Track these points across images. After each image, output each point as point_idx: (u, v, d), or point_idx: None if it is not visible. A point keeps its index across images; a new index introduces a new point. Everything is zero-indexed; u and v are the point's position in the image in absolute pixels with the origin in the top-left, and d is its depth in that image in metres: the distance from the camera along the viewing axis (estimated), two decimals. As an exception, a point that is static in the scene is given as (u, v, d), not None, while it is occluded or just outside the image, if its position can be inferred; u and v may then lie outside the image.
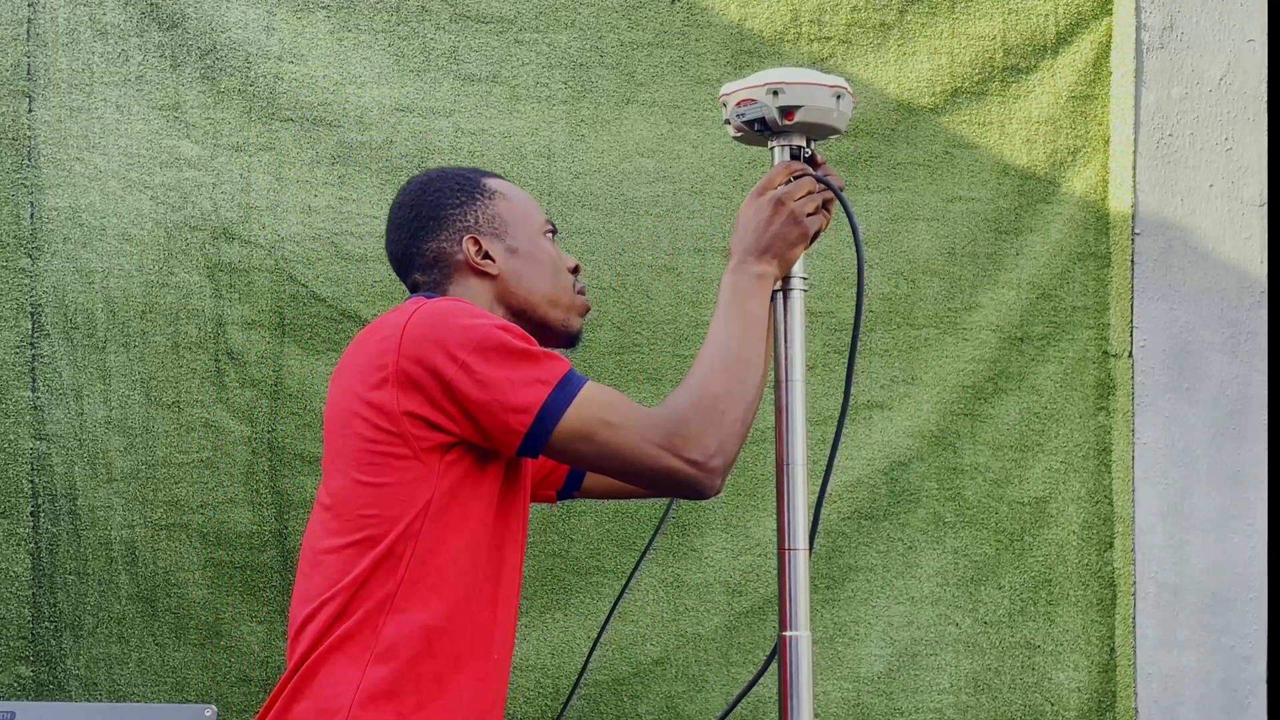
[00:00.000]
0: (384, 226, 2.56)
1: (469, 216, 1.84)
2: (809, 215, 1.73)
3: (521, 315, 1.83)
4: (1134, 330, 2.74)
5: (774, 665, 1.87)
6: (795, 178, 1.74)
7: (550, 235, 1.88)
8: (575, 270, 1.89)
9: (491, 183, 1.89)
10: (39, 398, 2.48)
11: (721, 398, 1.64)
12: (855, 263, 1.85)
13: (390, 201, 2.57)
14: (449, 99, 2.59)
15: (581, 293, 1.89)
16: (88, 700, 2.45)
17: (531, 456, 1.65)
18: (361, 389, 1.65)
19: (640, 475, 1.65)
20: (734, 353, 1.67)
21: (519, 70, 2.61)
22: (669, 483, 1.64)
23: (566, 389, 1.63)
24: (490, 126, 2.60)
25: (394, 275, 2.57)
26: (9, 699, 2.43)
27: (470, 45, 2.60)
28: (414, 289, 1.87)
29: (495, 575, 1.70)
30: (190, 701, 2.38)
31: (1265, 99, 2.76)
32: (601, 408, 1.64)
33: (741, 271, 1.73)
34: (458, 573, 1.65)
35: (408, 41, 2.58)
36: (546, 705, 2.60)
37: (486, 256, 1.81)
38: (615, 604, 2.03)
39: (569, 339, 1.88)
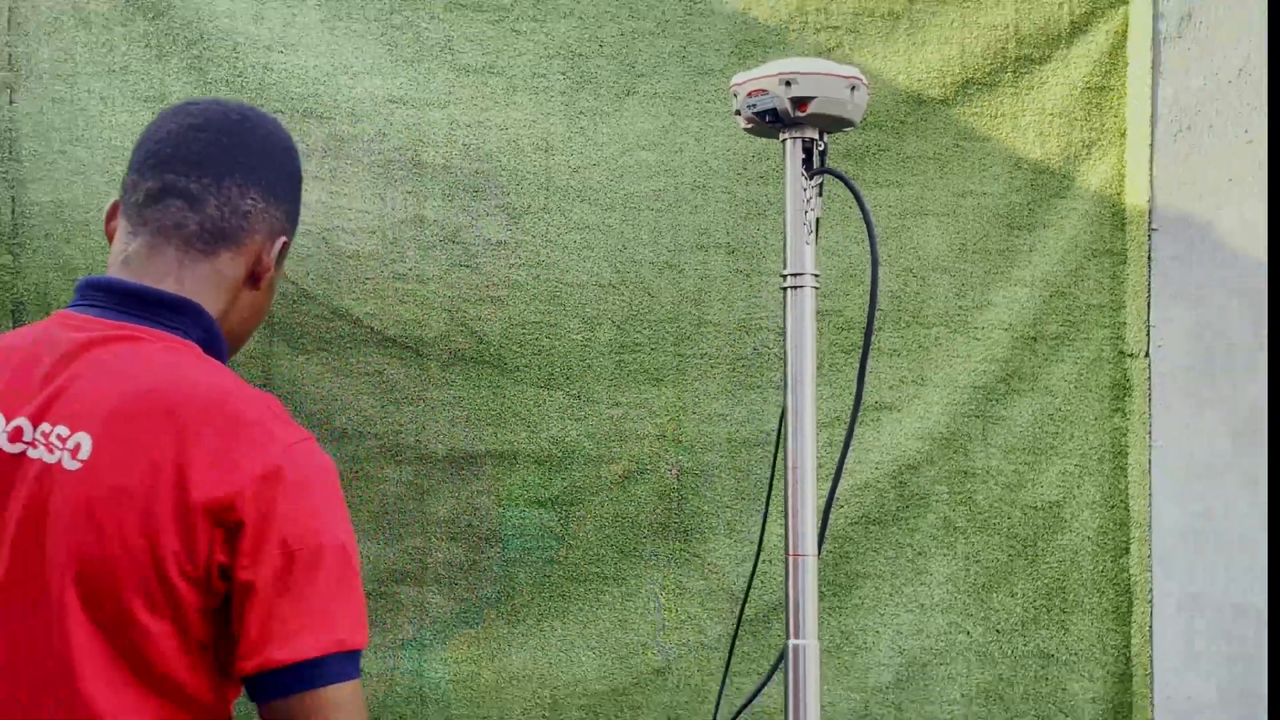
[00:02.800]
0: (375, 222, 2.58)
1: (292, 223, 1.64)
2: None
3: (217, 345, 1.60)
4: (1151, 330, 2.74)
5: (779, 674, 1.88)
6: None
7: None
8: None
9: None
10: (20, 399, 2.48)
11: None
12: (864, 259, 1.86)
13: (386, 204, 2.59)
14: (443, 90, 2.59)
15: None
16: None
17: (233, 691, 1.48)
18: (180, 487, 1.39)
19: None
20: None
21: (515, 60, 2.61)
22: None
23: (345, 668, 1.45)
24: (486, 118, 2.61)
25: (389, 272, 2.60)
26: None
27: (465, 35, 2.60)
28: (173, 204, 1.56)
29: None
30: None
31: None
32: (348, 714, 1.44)
33: None
34: None
35: (401, 31, 2.58)
36: (543, 716, 2.61)
37: (270, 271, 1.63)
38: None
39: None
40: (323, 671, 1.41)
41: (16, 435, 1.45)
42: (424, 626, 2.58)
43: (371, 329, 2.57)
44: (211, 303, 1.58)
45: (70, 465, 1.41)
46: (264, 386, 2.52)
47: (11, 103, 2.48)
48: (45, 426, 1.44)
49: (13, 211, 2.48)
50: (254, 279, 1.61)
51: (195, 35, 2.52)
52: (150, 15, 2.52)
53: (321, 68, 2.56)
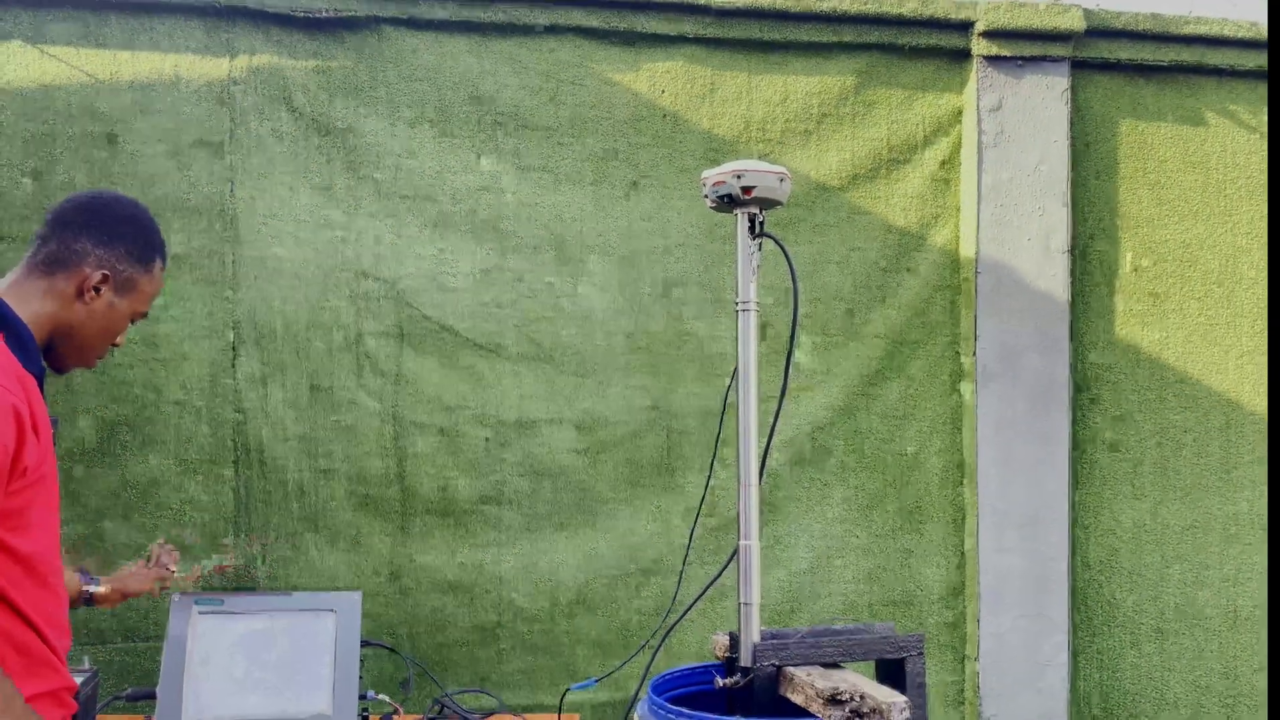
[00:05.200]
0: (469, 268, 2.58)
1: (123, 263, 1.59)
2: None
3: (57, 334, 1.57)
4: (976, 337, 2.75)
5: (733, 564, 1.88)
6: None
7: (133, 320, 1.65)
8: (116, 346, 1.66)
9: (156, 263, 1.64)
10: (238, 384, 2.49)
11: None
12: (789, 292, 1.86)
13: (476, 256, 2.59)
14: (514, 182, 2.60)
15: (99, 357, 1.65)
16: (272, 590, 2.47)
17: None
18: None
19: None
20: None
21: (561, 163, 2.62)
22: None
23: None
24: (541, 200, 2.61)
25: (478, 301, 2.60)
26: (219, 591, 2.44)
27: (528, 146, 2.61)
28: (34, 244, 1.58)
29: None
30: (341, 590, 2.39)
31: (1066, 181, 2.77)
32: None
33: None
34: None
35: (485, 144, 2.59)
36: (579, 591, 2.61)
37: (97, 291, 1.56)
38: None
39: (57, 370, 1.62)
40: None
41: None
42: (501, 532, 2.59)
43: (467, 338, 2.58)
44: (35, 302, 1.55)
45: None
46: (396, 376, 2.54)
47: (232, 192, 2.49)
48: None
49: (233, 262, 2.49)
50: (81, 294, 1.55)
51: (351, 146, 2.53)
52: (322, 134, 2.52)
53: (434, 167, 2.57)
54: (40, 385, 1.54)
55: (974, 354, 2.74)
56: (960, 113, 2.77)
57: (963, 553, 2.77)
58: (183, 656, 1.87)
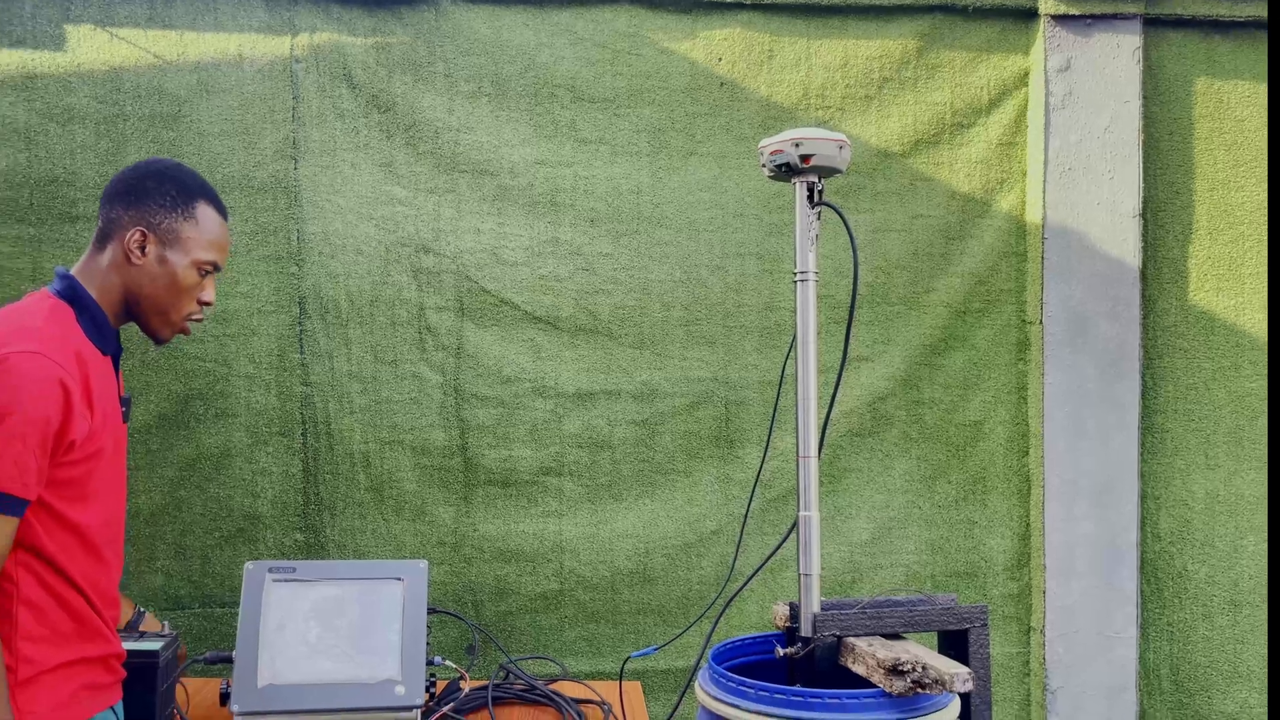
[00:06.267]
0: (527, 242, 2.60)
1: (157, 216, 1.60)
2: None
3: (130, 303, 1.60)
4: (1043, 304, 2.69)
5: (793, 535, 1.88)
6: None
7: (205, 272, 1.65)
8: (205, 304, 1.66)
9: (201, 208, 1.64)
10: (305, 358, 2.54)
11: None
12: (849, 261, 1.84)
13: (534, 229, 2.61)
14: (570, 154, 2.60)
15: (194, 318, 1.65)
16: (340, 558, 2.53)
17: None
18: None
19: None
20: None
21: (617, 134, 2.61)
22: None
23: None
24: (598, 173, 2.61)
25: (536, 274, 2.63)
26: (290, 558, 2.50)
27: (584, 118, 2.61)
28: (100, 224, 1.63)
29: None
30: (407, 558, 2.44)
31: (1137, 143, 2.69)
32: None
33: None
34: None
35: (542, 117, 2.59)
36: (639, 560, 2.63)
37: (142, 250, 1.59)
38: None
39: (155, 341, 1.66)
40: None
41: None
42: (562, 503, 2.62)
43: (526, 311, 2.60)
44: (99, 277, 1.60)
45: None
46: (457, 350, 2.57)
47: (295, 169, 2.53)
48: None
49: (297, 238, 2.54)
50: (129, 257, 1.59)
51: (410, 122, 2.55)
52: (382, 110, 2.55)
53: (491, 142, 2.58)
54: (116, 365, 1.59)
55: (1041, 321, 2.69)
56: (1026, 74, 2.70)
57: (1028, 523, 2.73)
58: (257, 622, 1.93)
